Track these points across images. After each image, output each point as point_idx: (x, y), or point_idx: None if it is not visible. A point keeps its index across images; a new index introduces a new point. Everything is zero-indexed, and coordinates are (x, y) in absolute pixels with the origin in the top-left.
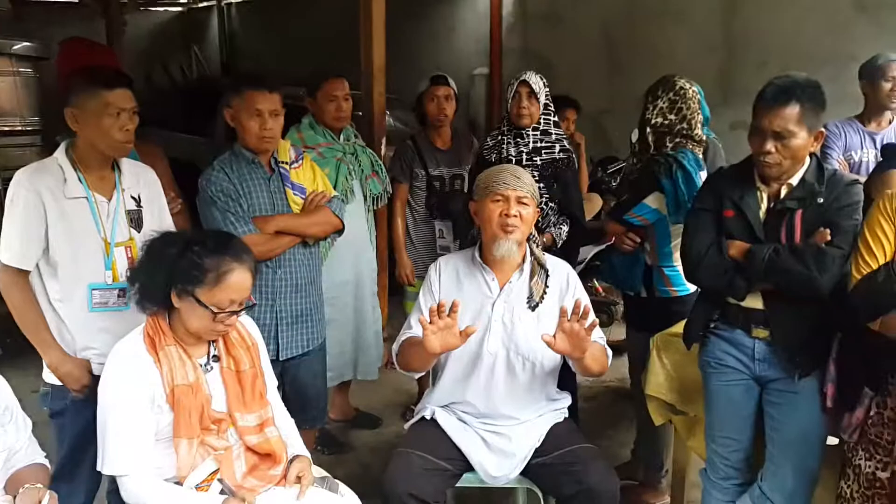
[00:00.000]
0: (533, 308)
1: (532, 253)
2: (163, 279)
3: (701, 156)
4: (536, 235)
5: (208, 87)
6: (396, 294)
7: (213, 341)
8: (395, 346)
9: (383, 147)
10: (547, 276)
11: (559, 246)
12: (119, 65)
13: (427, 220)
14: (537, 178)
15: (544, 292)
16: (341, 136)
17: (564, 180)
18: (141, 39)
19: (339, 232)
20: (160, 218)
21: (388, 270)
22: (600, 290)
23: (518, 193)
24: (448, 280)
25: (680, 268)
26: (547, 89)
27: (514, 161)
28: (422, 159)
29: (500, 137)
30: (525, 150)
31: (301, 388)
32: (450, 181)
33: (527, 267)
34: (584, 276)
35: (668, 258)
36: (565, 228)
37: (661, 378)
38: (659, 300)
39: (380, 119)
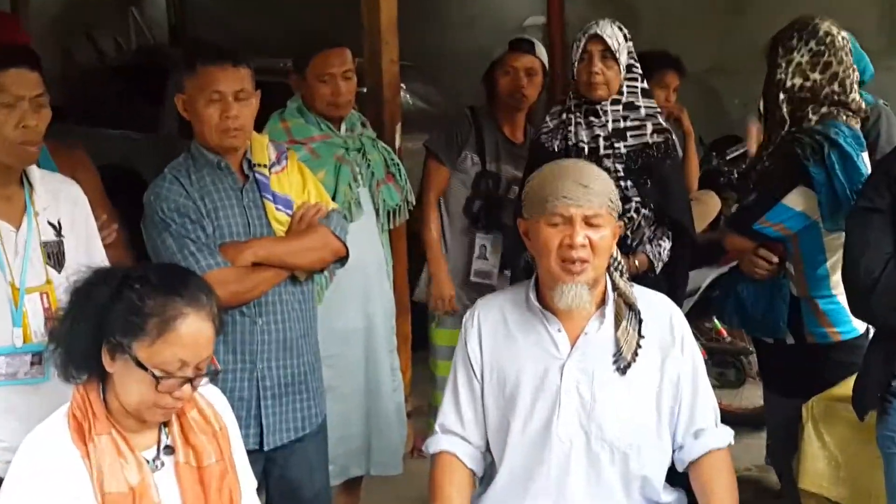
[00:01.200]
0: (622, 371)
1: (615, 287)
2: (91, 332)
3: (860, 130)
4: (622, 260)
5: (152, 64)
6: (424, 346)
7: (165, 424)
8: (428, 446)
9: (398, 137)
10: (640, 320)
11: (658, 271)
12: (24, 35)
13: (466, 230)
14: (622, 174)
15: (638, 346)
16: (342, 126)
17: (662, 175)
18: (57, 2)
19: (342, 261)
20: (88, 250)
21: (412, 310)
22: (723, 333)
23: (587, 211)
24: (493, 335)
25: (843, 298)
26: (630, 44)
27: (585, 150)
28: (479, 142)
29: (564, 116)
30: (602, 134)
31: (292, 489)
32: (506, 186)
33: (609, 310)
34: (698, 315)
35: (824, 285)
36: (666, 245)
37: (820, 464)
38: (812, 348)
39: (392, 97)
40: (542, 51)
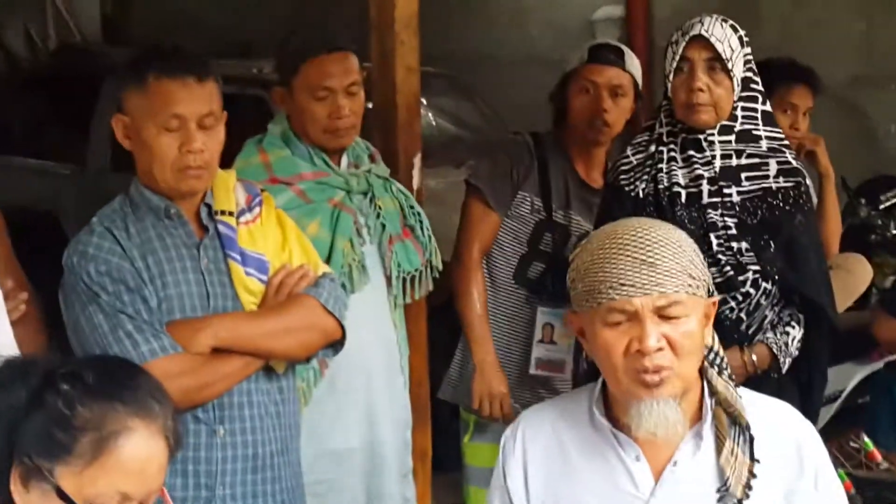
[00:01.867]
0: None
1: (714, 393)
2: None
3: None
4: (724, 355)
5: (79, 70)
6: (449, 466)
7: None
8: None
9: (416, 173)
10: (750, 439)
11: (784, 370)
12: None
13: (522, 302)
14: (734, 232)
15: (751, 475)
16: (343, 160)
17: (791, 233)
18: None
19: (336, 346)
20: None
21: (434, 415)
22: (876, 456)
23: (658, 300)
24: (543, 464)
25: None
26: (748, 50)
27: (682, 197)
28: (543, 181)
29: (653, 149)
30: (706, 175)
31: None
32: (576, 243)
33: (707, 428)
34: (841, 429)
35: None
36: (795, 333)
37: None
38: None
39: (409, 117)
40: (633, 62)
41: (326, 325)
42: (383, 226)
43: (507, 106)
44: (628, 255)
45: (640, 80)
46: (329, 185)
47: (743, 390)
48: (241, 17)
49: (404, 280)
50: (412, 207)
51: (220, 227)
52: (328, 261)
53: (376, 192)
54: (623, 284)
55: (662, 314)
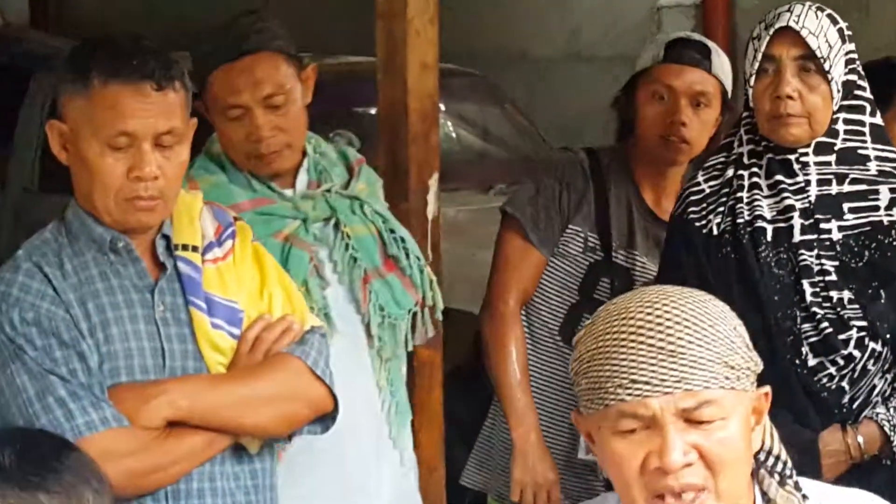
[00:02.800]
0: None
1: (768, 501)
2: None
3: None
4: (785, 459)
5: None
6: None
7: None
8: None
9: (432, 197)
10: None
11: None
12: None
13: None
14: (834, 279)
15: None
16: (301, 178)
17: None
18: None
19: (326, 421)
20: None
21: None
22: None
23: (682, 400)
24: None
25: None
26: (850, 47)
27: (768, 235)
28: (600, 211)
29: (731, 173)
30: (798, 206)
31: None
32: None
33: None
34: None
35: None
36: None
37: None
38: None
39: (424, 126)
40: (722, 64)
41: (314, 393)
42: (354, 259)
43: (544, 114)
44: (642, 341)
45: (729, 87)
46: (275, 215)
47: (821, 488)
48: (204, 1)
49: (392, 328)
50: (393, 232)
51: (181, 266)
52: None
53: (342, 217)
54: (636, 381)
55: (690, 418)
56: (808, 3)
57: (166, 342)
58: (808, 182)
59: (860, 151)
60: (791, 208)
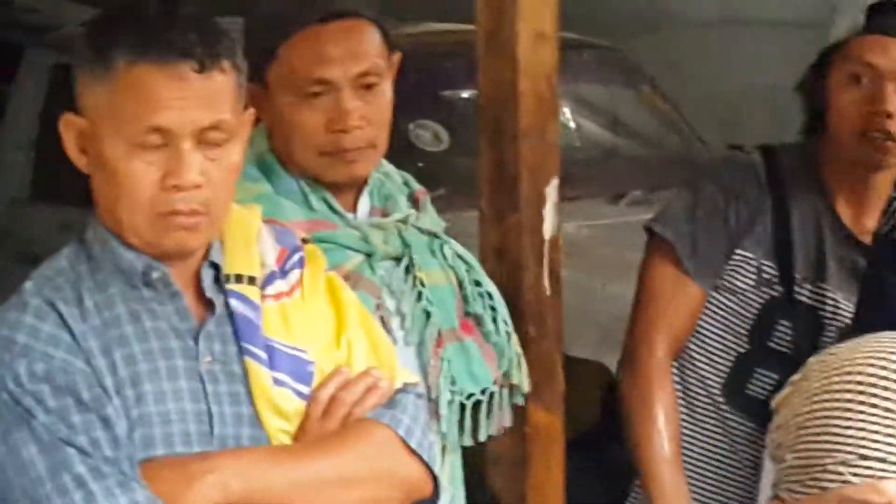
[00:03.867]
0: None
1: None
2: None
3: None
4: None
5: None
6: None
7: None
8: None
9: (550, 213)
10: None
11: None
12: None
13: (744, 436)
14: None
15: None
16: (363, 201)
17: None
18: None
19: None
20: None
21: None
22: None
23: None
24: None
25: None
26: None
27: None
28: (781, 232)
29: None
30: None
31: None
32: (838, 337)
33: None
34: None
35: None
36: None
37: None
38: None
39: (540, 118)
40: None
41: (408, 472)
42: (427, 314)
43: (693, 97)
44: (874, 403)
45: None
46: (336, 245)
47: None
48: None
49: (462, 407)
50: (479, 285)
51: (234, 303)
52: None
53: (417, 259)
54: (866, 458)
55: None
56: None
57: (214, 403)
58: None
59: None
60: None
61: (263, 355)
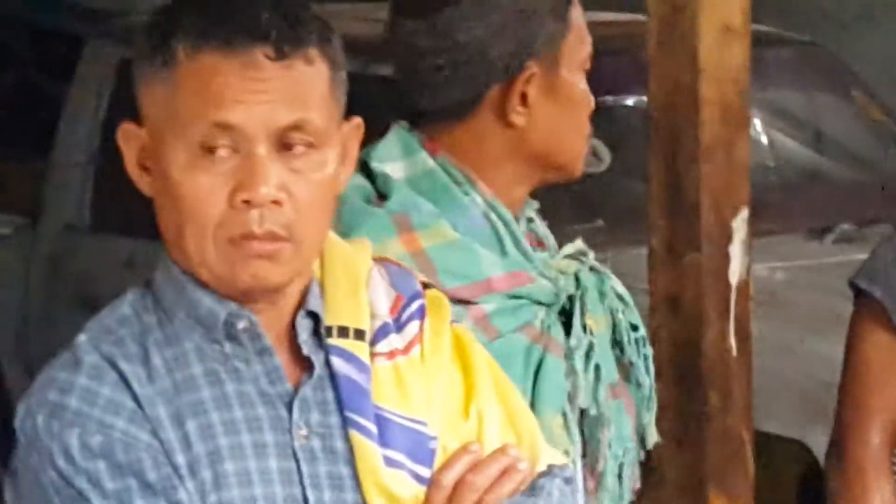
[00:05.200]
0: None
1: None
2: None
3: None
4: None
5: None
6: None
7: None
8: None
9: (739, 251)
10: None
11: None
12: None
13: None
14: None
15: None
16: (520, 225)
17: None
18: None
19: None
20: None
21: None
22: None
23: None
24: None
25: None
26: None
27: None
28: None
29: None
30: None
31: None
32: None
33: None
34: None
35: None
36: None
37: None
38: None
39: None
40: None
41: None
42: (598, 371)
43: None
44: None
45: None
46: (529, 300)
47: None
48: None
49: (617, 472)
50: (636, 330)
51: (336, 363)
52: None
53: (589, 304)
54: None
55: None
56: None
57: (312, 488)
58: None
59: None
60: None
61: (373, 428)
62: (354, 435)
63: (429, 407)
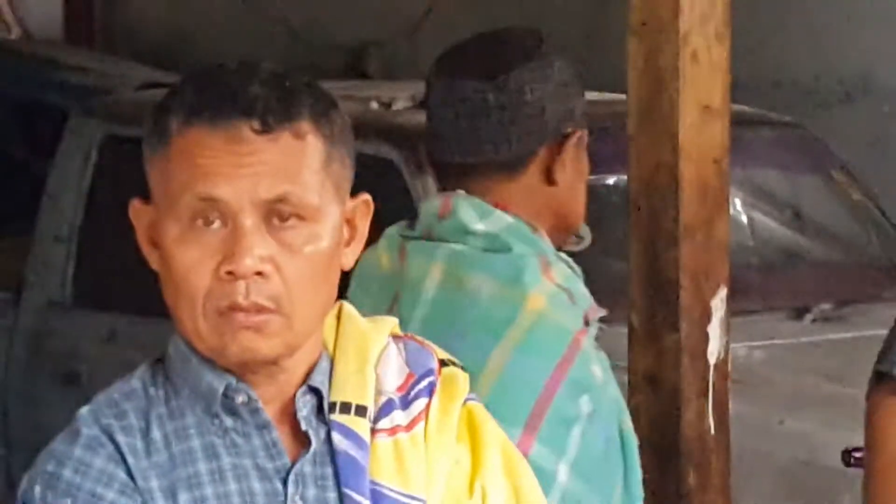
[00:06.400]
0: None
1: None
2: None
3: None
4: None
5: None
6: None
7: None
8: None
9: (717, 335)
10: None
11: None
12: None
13: None
14: None
15: None
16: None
17: None
18: None
19: None
20: None
21: None
22: None
23: None
24: None
25: None
26: None
27: None
28: None
29: None
30: None
31: None
32: None
33: None
34: None
35: None
36: None
37: None
38: None
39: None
40: None
41: None
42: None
43: None
44: None
45: None
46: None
47: None
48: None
49: None
50: None
51: (336, 439)
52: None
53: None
54: None
55: None
56: None
57: None
58: None
59: None
60: None
61: None
62: None
63: (429, 484)
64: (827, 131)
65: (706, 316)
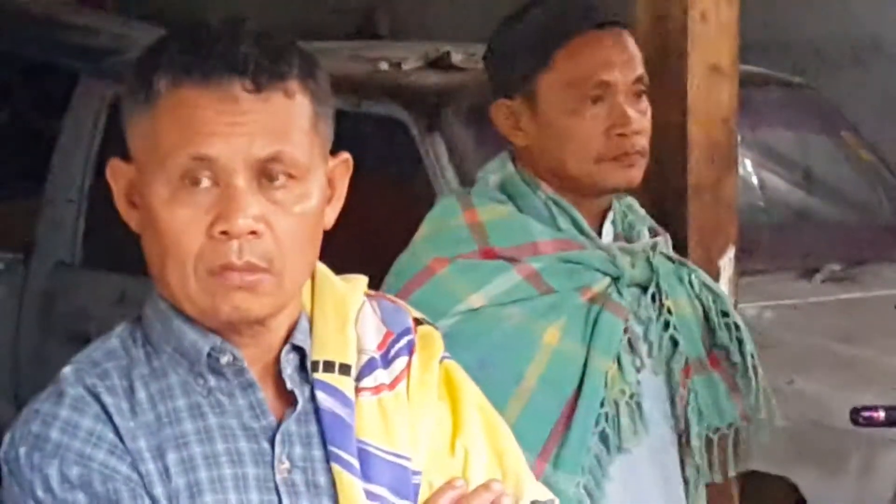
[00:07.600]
0: None
1: None
2: None
3: None
4: None
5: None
6: None
7: None
8: None
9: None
10: None
11: None
12: None
13: None
14: None
15: None
16: (607, 226)
17: None
18: None
19: None
20: None
21: None
22: None
23: None
24: None
25: None
26: None
27: None
28: None
29: None
30: None
31: None
32: None
33: None
34: None
35: None
36: None
37: None
38: None
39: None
40: None
41: None
42: (675, 342)
43: None
44: None
45: None
46: (583, 265)
47: None
48: None
49: (709, 441)
50: (726, 316)
51: (321, 397)
52: (577, 394)
53: (665, 286)
54: None
55: None
56: None
57: None
58: None
59: None
60: None
61: (355, 462)
62: (336, 469)
63: (413, 442)
64: (836, 93)
65: (715, 275)
